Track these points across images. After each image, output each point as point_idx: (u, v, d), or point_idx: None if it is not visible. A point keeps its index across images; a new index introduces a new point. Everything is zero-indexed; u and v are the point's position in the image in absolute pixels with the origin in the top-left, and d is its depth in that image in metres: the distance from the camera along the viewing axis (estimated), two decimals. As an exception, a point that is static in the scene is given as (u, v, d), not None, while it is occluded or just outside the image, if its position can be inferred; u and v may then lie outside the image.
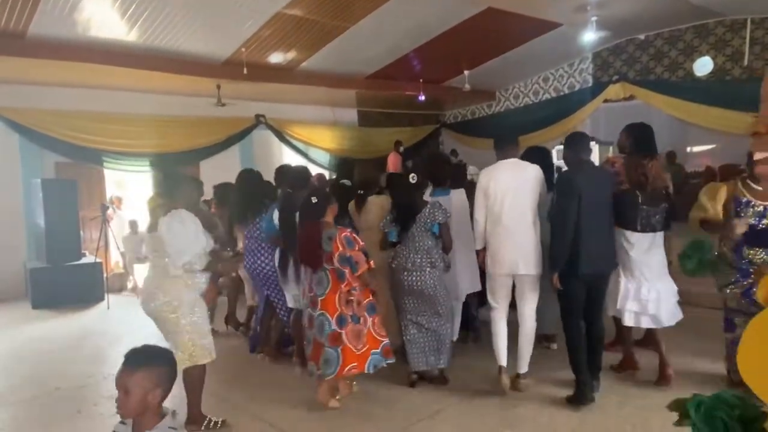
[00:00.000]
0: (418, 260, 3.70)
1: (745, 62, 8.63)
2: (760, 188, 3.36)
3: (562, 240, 3.38)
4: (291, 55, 8.28)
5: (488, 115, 12.58)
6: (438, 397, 3.73)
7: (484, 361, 4.16)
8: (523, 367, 3.75)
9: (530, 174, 3.67)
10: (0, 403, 4.03)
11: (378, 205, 4.42)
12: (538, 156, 4.06)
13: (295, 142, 10.94)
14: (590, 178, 3.47)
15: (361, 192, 4.46)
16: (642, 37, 9.65)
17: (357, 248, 3.48)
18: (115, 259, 8.94)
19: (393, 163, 11.05)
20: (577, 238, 3.35)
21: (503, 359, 3.73)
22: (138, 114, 8.85)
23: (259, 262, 4.41)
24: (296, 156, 10.83)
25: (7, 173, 7.86)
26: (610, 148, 8.26)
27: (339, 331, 3.43)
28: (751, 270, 3.34)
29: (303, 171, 4.66)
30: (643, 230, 3.56)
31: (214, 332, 5.31)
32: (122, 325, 6.32)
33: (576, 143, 3.60)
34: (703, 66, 8.86)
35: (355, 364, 3.44)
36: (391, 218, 3.84)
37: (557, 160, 8.22)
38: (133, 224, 8.71)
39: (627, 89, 9.82)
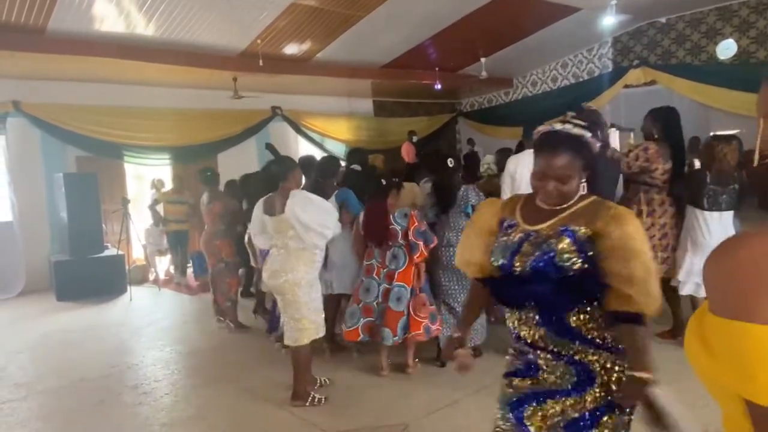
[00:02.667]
0: (453, 238, 3.95)
1: (771, 44, 8.39)
2: None
3: None
4: (306, 45, 8.26)
5: (505, 102, 12.43)
6: (457, 386, 3.72)
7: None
8: None
9: None
10: (27, 392, 4.14)
11: (410, 191, 4.62)
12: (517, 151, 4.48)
13: (311, 134, 10.95)
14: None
15: (396, 179, 4.46)
16: (663, 20, 9.41)
17: (425, 225, 3.88)
18: (137, 251, 9.07)
19: (407, 152, 10.98)
20: None
21: None
22: (156, 108, 8.93)
23: None
24: (312, 147, 10.84)
25: (29, 168, 8.00)
26: (631, 134, 8.09)
27: (413, 300, 3.81)
28: None
29: (332, 160, 4.79)
30: (710, 208, 3.84)
31: (242, 326, 5.43)
32: (144, 316, 6.42)
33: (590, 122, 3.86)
34: (727, 49, 8.62)
35: (420, 331, 3.80)
36: (432, 201, 4.13)
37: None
38: (156, 216, 8.82)
39: (648, 74, 9.61)
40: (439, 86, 10.35)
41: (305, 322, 3.43)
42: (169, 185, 9.59)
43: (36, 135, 8.03)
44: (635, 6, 8.32)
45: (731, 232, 3.84)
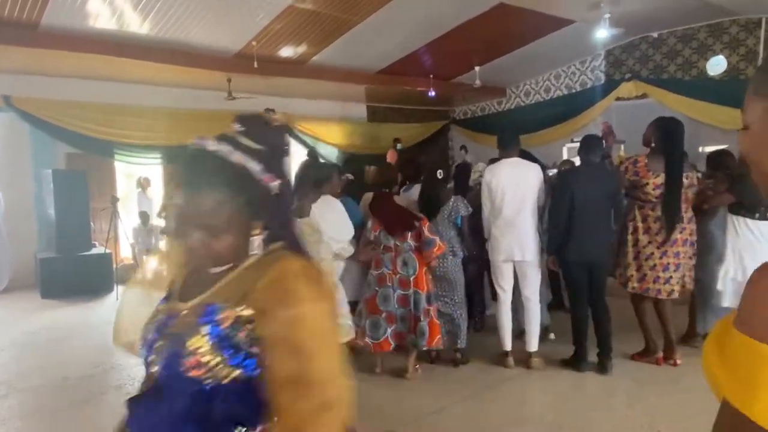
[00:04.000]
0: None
1: (759, 62, 8.52)
2: None
3: (554, 229, 3.87)
4: (301, 49, 8.27)
5: (498, 111, 12.50)
6: (444, 393, 3.73)
7: (490, 355, 4.22)
8: (533, 346, 4.05)
9: (531, 172, 4.00)
10: (8, 390, 4.08)
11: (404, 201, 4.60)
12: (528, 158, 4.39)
13: (303, 137, 10.93)
14: (589, 178, 3.85)
15: (387, 190, 4.44)
16: (655, 35, 9.54)
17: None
18: (125, 250, 9.00)
19: (391, 160, 10.92)
20: (570, 229, 3.78)
21: (508, 344, 4.11)
22: (149, 106, 8.88)
23: None
24: (304, 151, 10.81)
25: (18, 164, 7.92)
26: (621, 146, 8.19)
27: (428, 307, 3.85)
28: None
29: (328, 166, 4.79)
30: (762, 218, 3.83)
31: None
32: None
33: (586, 145, 3.98)
34: (717, 65, 8.75)
35: (439, 336, 3.87)
36: (418, 209, 4.14)
37: (566, 157, 8.23)
38: (143, 216, 8.77)
39: (639, 87, 9.72)
40: (433, 93, 10.39)
41: None
42: (156, 185, 9.55)
43: (26, 130, 7.95)
44: (628, 20, 8.42)
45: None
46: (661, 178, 3.70)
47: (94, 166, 8.42)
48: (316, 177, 3.55)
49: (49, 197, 7.50)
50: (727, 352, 0.65)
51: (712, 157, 4.32)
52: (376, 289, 3.95)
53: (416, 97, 11.15)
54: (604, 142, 4.11)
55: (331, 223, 3.34)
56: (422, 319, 3.82)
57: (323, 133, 11.18)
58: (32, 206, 8.03)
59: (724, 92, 8.52)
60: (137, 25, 6.70)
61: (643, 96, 9.64)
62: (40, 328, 5.89)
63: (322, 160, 5.32)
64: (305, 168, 3.81)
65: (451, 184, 4.89)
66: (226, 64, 7.94)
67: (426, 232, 3.79)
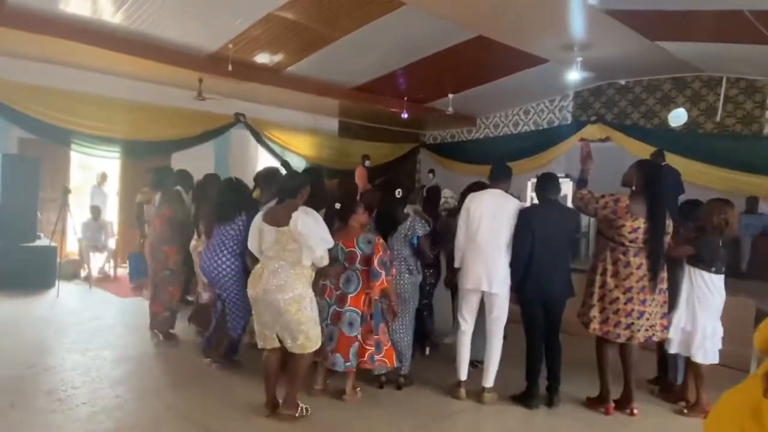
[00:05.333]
0: (396, 267, 4.02)
1: (718, 118, 8.95)
2: None
3: (515, 264, 3.87)
4: (278, 57, 8.18)
5: (468, 140, 12.69)
6: (393, 420, 3.65)
7: (440, 382, 4.17)
8: (489, 381, 3.99)
9: (511, 207, 3.98)
10: (-74, 387, 3.77)
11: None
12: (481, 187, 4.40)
13: (272, 145, 10.78)
14: (548, 215, 3.90)
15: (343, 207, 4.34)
16: (623, 82, 9.92)
17: (388, 255, 3.85)
18: (72, 244, 8.59)
19: (360, 176, 10.88)
20: (530, 265, 3.80)
21: (464, 374, 4.06)
22: (112, 97, 8.55)
23: (220, 260, 4.21)
24: (272, 159, 10.67)
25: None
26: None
27: (362, 327, 3.77)
28: None
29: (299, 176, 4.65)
30: (718, 271, 3.84)
31: (172, 338, 5.18)
32: (71, 314, 6.05)
33: (543, 183, 4.03)
34: (677, 117, 9.02)
35: (365, 359, 3.76)
36: (372, 227, 4.09)
37: (533, 191, 8.37)
38: (95, 210, 8.41)
39: (603, 131, 10.04)
40: (405, 115, 10.46)
41: (308, 335, 3.40)
42: (113, 180, 9.22)
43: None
44: (598, 66, 8.72)
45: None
46: (638, 222, 3.58)
47: (48, 154, 8.04)
48: (291, 188, 3.48)
49: (-4, 183, 7.11)
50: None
51: (684, 207, 4.40)
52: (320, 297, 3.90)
53: (388, 117, 11.21)
54: (581, 164, 4.07)
55: (310, 232, 3.32)
56: (357, 339, 3.73)
57: (293, 143, 11.07)
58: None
59: (682, 144, 8.90)
60: (110, 14, 6.49)
61: (607, 139, 9.96)
62: (-31, 320, 5.52)
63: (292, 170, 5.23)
64: (283, 178, 3.74)
65: (417, 206, 4.92)
66: (198, 63, 7.78)
67: (375, 264, 3.69)
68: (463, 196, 4.75)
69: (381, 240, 3.82)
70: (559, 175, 4.62)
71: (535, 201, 7.91)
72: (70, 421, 3.42)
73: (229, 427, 3.44)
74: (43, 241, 7.48)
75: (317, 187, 4.22)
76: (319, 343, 3.52)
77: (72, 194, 7.64)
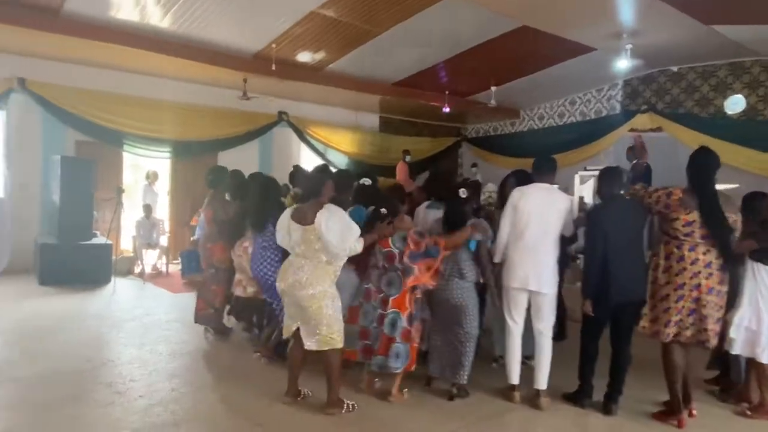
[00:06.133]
0: (447, 270, 3.84)
1: (779, 104, 8.48)
2: None
3: (592, 271, 3.61)
4: (320, 55, 8.25)
5: (511, 133, 12.47)
6: (444, 417, 3.63)
7: (495, 380, 4.11)
8: (542, 383, 3.82)
9: (561, 202, 3.83)
10: (-2, 378, 3.99)
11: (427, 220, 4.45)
12: (518, 180, 4.22)
13: (314, 142, 10.90)
14: (618, 213, 3.65)
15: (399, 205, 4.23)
16: (675, 69, 9.50)
17: (425, 245, 3.70)
18: (125, 242, 8.93)
19: (401, 172, 10.85)
20: (608, 268, 3.55)
21: (515, 377, 3.88)
22: (162, 99, 8.86)
23: (264, 269, 4.40)
24: (314, 156, 10.79)
25: (27, 147, 7.88)
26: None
27: (409, 328, 3.69)
28: None
29: (348, 175, 4.71)
30: None
31: (223, 333, 5.30)
32: (125, 310, 6.28)
33: (609, 178, 3.77)
34: (735, 104, 8.69)
35: (413, 361, 3.73)
36: (440, 231, 3.95)
37: (580, 185, 8.16)
38: (147, 208, 8.71)
39: (655, 120, 9.67)
40: (447, 109, 10.37)
41: (330, 332, 3.46)
42: (164, 179, 9.51)
43: (38, 114, 7.92)
44: (649, 53, 8.39)
45: None
46: (693, 215, 3.41)
47: (102, 155, 8.37)
48: (314, 188, 3.57)
49: (56, 183, 7.45)
50: None
51: (746, 199, 4.08)
52: (361, 302, 3.92)
53: (429, 111, 11.13)
54: (633, 155, 3.90)
55: (334, 231, 3.36)
56: (399, 340, 3.67)
57: (334, 140, 11.15)
58: (38, 191, 7.97)
59: (740, 132, 8.47)
60: (158, 18, 6.68)
61: (658, 129, 9.59)
62: (34, 314, 5.81)
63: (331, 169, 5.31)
64: (304, 177, 3.80)
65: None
66: (243, 63, 7.93)
67: (405, 258, 3.67)
68: (502, 188, 4.63)
69: (413, 233, 3.75)
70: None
71: (583, 195, 7.77)
72: (129, 413, 3.55)
73: (278, 421, 3.50)
74: (99, 239, 7.80)
75: (344, 185, 4.30)
76: (342, 342, 3.53)
77: (125, 193, 7.94)
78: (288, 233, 3.55)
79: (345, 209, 4.00)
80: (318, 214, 3.38)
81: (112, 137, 8.52)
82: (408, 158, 10.97)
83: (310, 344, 3.51)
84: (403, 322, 3.69)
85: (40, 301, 6.41)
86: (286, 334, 3.68)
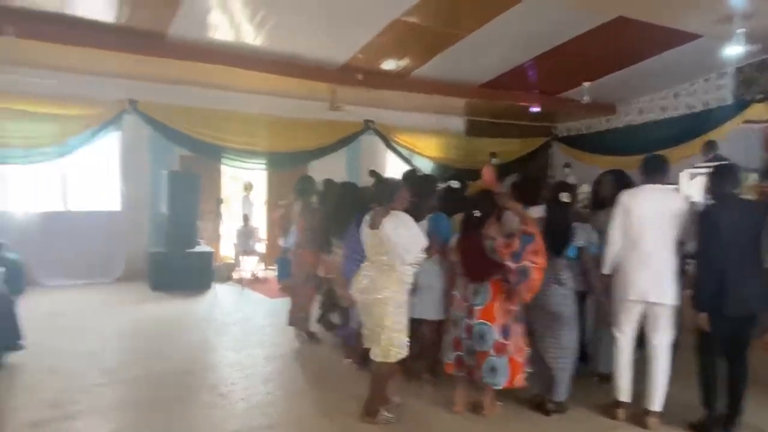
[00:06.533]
0: (544, 276, 3.53)
1: None
2: None
3: (706, 280, 3.27)
4: (404, 62, 8.27)
5: (607, 130, 11.78)
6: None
7: (598, 396, 3.87)
8: (656, 404, 3.50)
9: (676, 203, 3.51)
10: (112, 379, 4.34)
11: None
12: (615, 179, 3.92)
13: (400, 149, 10.97)
14: (733, 214, 3.29)
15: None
16: (796, 52, 8.52)
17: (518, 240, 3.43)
18: (225, 249, 9.46)
19: (487, 175, 10.53)
20: (723, 277, 3.21)
21: (625, 394, 3.59)
22: (255, 114, 9.29)
23: (351, 274, 4.43)
24: (400, 162, 10.85)
25: (138, 163, 8.58)
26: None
27: (504, 341, 3.48)
28: None
29: (429, 179, 4.68)
30: None
31: (314, 337, 5.45)
32: (226, 314, 6.64)
33: (723, 175, 3.44)
34: None
35: (520, 375, 3.51)
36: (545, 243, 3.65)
37: (688, 182, 7.55)
38: (245, 218, 9.17)
39: (773, 110, 8.72)
40: (536, 109, 10.01)
41: (390, 341, 3.44)
42: (261, 189, 9.96)
43: (146, 132, 8.59)
44: (764, 36, 7.58)
45: None
46: None
47: (203, 168, 8.94)
48: (384, 194, 3.56)
49: (164, 196, 8.06)
50: None
51: None
52: (450, 310, 3.80)
53: (517, 111, 10.80)
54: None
55: (401, 237, 3.36)
56: (493, 353, 3.48)
57: (420, 145, 11.15)
58: (147, 203, 8.64)
59: None
60: (251, 36, 7.02)
61: (777, 119, 8.63)
62: (146, 318, 6.30)
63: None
64: (378, 183, 3.77)
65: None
66: (331, 75, 8.13)
67: (511, 264, 3.39)
68: (597, 188, 4.36)
69: (500, 242, 3.47)
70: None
71: (688, 194, 7.17)
72: (230, 415, 3.73)
73: (368, 428, 3.51)
74: (202, 248, 8.32)
75: (425, 191, 4.20)
76: (402, 354, 3.46)
77: (223, 204, 8.44)
78: (364, 237, 3.60)
79: (425, 215, 3.96)
80: (384, 220, 3.41)
81: (212, 151, 9.07)
82: (495, 160, 10.72)
83: (374, 352, 3.49)
84: (495, 334, 3.48)
85: (151, 305, 6.93)
86: (366, 344, 3.66)
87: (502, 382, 3.49)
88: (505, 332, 3.51)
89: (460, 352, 3.67)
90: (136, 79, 8.26)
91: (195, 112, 8.76)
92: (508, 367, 3.48)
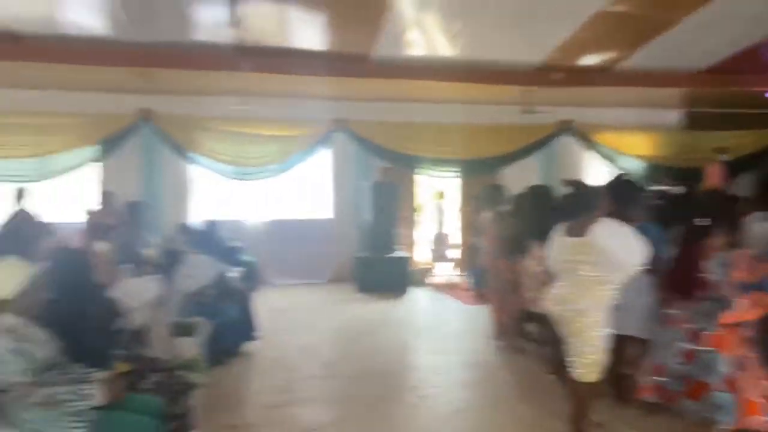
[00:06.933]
0: None
1: None
2: None
3: None
4: (607, 55, 7.67)
5: None
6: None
7: None
8: None
9: None
10: (329, 374, 4.79)
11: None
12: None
13: (602, 149, 10.17)
14: None
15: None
16: None
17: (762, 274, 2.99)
18: (418, 255, 9.82)
19: (715, 175, 9.10)
20: None
21: None
22: (447, 123, 9.46)
23: None
24: (599, 166, 10.08)
25: (346, 176, 9.40)
26: None
27: (735, 375, 3.02)
28: None
29: (630, 184, 4.30)
30: None
31: (519, 348, 5.33)
32: (423, 318, 6.89)
33: None
34: None
35: (759, 416, 2.96)
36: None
37: None
38: (438, 225, 9.44)
39: None
40: (774, 94, 8.44)
41: (587, 357, 3.17)
42: (450, 197, 10.15)
43: (351, 148, 9.35)
44: None
45: None
46: None
47: (399, 177, 9.43)
48: (588, 203, 3.26)
49: (367, 205, 8.77)
50: None
51: None
52: (656, 329, 3.36)
53: (746, 99, 9.22)
54: None
55: (621, 244, 3.03)
56: (722, 388, 2.99)
57: (625, 144, 10.21)
58: (353, 211, 9.40)
59: None
60: (445, 48, 7.19)
61: None
62: (354, 318, 6.83)
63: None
64: (576, 192, 3.49)
65: None
66: (527, 77, 7.92)
67: (728, 289, 2.94)
68: None
69: (748, 257, 2.98)
70: None
71: None
72: (431, 417, 3.84)
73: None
74: (399, 253, 8.79)
75: (626, 198, 3.80)
76: (601, 373, 3.12)
77: (417, 211, 8.82)
78: (557, 248, 3.36)
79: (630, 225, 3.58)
80: (593, 227, 3.10)
81: (408, 162, 9.51)
82: (724, 157, 9.29)
83: (574, 369, 3.22)
84: (724, 366, 3.00)
85: (357, 306, 7.51)
86: (564, 358, 3.42)
87: (728, 420, 2.99)
88: (739, 364, 3.00)
89: (661, 378, 3.28)
90: (342, 99, 9.05)
91: (394, 126, 9.28)
92: (740, 406, 2.96)
